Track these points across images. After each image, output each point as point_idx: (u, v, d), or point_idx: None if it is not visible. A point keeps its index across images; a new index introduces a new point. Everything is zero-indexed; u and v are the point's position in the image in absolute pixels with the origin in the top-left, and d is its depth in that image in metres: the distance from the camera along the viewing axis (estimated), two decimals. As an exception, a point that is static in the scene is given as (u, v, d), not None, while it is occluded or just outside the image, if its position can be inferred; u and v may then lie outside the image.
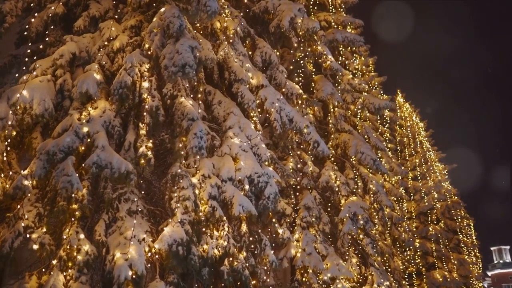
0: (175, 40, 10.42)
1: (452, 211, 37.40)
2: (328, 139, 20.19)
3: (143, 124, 10.18)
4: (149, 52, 10.69)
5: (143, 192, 10.65)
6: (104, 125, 9.93)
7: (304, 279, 16.39)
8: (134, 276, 8.62)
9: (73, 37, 11.00)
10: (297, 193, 18.23)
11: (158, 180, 11.04)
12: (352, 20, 22.11)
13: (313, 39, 16.93)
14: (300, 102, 15.06)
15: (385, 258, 24.13)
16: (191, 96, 11.14)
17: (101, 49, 10.81)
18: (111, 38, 11.03)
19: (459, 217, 37.98)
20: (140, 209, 10.01)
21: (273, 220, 11.59)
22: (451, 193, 38.54)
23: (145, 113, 10.22)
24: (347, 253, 18.26)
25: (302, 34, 16.07)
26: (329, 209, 19.23)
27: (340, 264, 16.98)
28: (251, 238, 11.08)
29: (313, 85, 20.19)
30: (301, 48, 17.24)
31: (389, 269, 24.52)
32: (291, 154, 18.32)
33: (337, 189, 18.61)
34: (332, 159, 19.64)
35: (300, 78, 19.89)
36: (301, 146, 14.65)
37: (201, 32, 13.64)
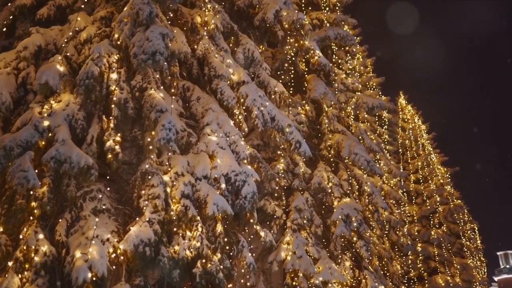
0: (145, 28, 9.93)
1: (455, 215, 36.60)
2: (321, 140, 19.70)
3: (110, 117, 9.66)
4: (118, 42, 10.20)
5: (108, 189, 10.09)
6: (67, 118, 9.45)
7: (294, 283, 15.87)
8: (94, 278, 8.10)
9: (39, 28, 10.56)
10: (289, 195, 17.78)
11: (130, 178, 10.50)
12: (345, 18, 21.56)
13: (300, 34, 16.39)
14: (283, 100, 14.50)
15: (383, 262, 23.58)
16: (163, 89, 10.60)
17: (69, 41, 10.32)
18: (78, 29, 10.54)
19: (463, 221, 37.24)
20: (107, 208, 9.51)
21: (251, 220, 11.00)
22: (454, 196, 37.77)
23: (112, 106, 9.69)
24: (340, 256, 17.68)
25: (288, 27, 15.55)
26: (323, 211, 18.72)
27: (332, 268, 16.46)
28: (226, 239, 10.50)
29: (306, 84, 19.74)
30: (288, 42, 16.70)
31: (387, 274, 23.96)
32: (282, 155, 17.85)
33: (329, 190, 18.10)
34: (325, 160, 19.16)
35: (292, 78, 19.51)
36: (281, 146, 14.13)
37: (184, 28, 13.20)
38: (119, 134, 9.70)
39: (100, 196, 9.54)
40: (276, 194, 17.35)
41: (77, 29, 10.54)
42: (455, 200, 37.71)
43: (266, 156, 17.96)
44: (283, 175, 17.46)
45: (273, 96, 14.28)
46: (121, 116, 9.82)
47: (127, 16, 10.29)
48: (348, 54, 23.69)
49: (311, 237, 17.00)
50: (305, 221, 16.84)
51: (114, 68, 10.06)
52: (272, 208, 17.16)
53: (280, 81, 17.83)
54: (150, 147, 9.41)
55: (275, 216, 17.11)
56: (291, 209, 17.19)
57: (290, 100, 14.58)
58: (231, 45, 14.45)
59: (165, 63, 10.03)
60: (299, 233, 16.67)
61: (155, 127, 9.52)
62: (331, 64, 17.71)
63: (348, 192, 18.58)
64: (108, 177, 10.51)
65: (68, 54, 10.32)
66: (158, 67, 9.71)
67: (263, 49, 16.35)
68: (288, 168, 18.11)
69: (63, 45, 10.39)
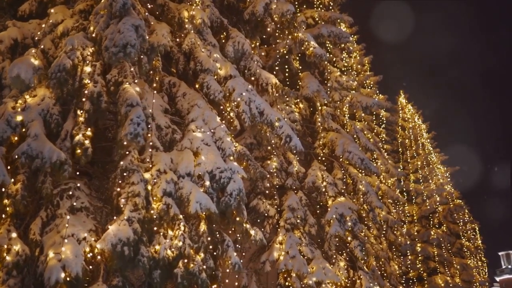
0: (119, 20, 9.59)
1: (455, 215, 36.26)
2: (315, 138, 19.42)
3: (81, 111, 9.33)
4: (94, 35, 9.88)
5: (88, 187, 9.80)
6: (42, 113, 9.16)
7: (287, 283, 15.60)
8: (68, 279, 7.80)
9: (16, 22, 10.31)
10: (282, 194, 17.51)
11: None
12: (340, 16, 21.23)
13: (293, 26, 16.07)
14: (275, 92, 14.16)
15: (380, 263, 23.26)
16: (142, 83, 10.29)
17: (47, 35, 10.04)
18: (56, 22, 10.25)
19: (463, 221, 36.88)
20: (85, 206, 9.21)
21: (237, 219, 10.66)
22: (454, 196, 37.40)
23: (84, 99, 9.37)
24: (335, 256, 17.37)
25: (278, 20, 15.23)
26: (318, 211, 18.43)
27: (326, 268, 16.17)
28: (209, 239, 10.17)
29: (299, 82, 19.46)
30: (281, 36, 16.39)
31: (385, 274, 23.65)
32: (275, 153, 17.58)
33: (324, 189, 17.79)
34: (320, 159, 18.87)
35: (286, 76, 19.23)
36: (272, 141, 13.81)
37: (174, 23, 12.92)
38: (89, 129, 9.34)
39: (80, 195, 9.23)
40: (269, 193, 17.15)
41: (54, 22, 10.24)
42: (455, 200, 37.35)
43: (260, 155, 17.73)
44: (276, 174, 17.25)
45: (266, 88, 13.92)
46: (93, 110, 9.46)
47: (104, 8, 9.98)
48: (344, 52, 23.42)
49: (304, 236, 16.72)
50: (298, 221, 16.57)
51: (88, 61, 9.73)
52: (265, 207, 16.90)
53: (280, 81, 17.65)
54: (125, 143, 9.08)
55: (268, 216, 16.89)
56: (284, 208, 16.94)
57: (283, 91, 14.19)
58: (223, 41, 14.19)
59: (145, 56, 9.74)
60: (293, 233, 16.40)
61: (126, 121, 9.20)
62: (327, 54, 17.29)
63: (342, 191, 18.28)
64: (90, 175, 10.25)
65: (45, 48, 10.02)
66: (130, 60, 9.37)
67: (256, 45, 15.99)
68: (281, 167, 17.86)
69: (40, 39, 10.10)
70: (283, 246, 16.00)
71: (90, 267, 8.61)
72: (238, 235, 11.55)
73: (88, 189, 9.83)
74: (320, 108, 19.27)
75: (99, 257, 8.72)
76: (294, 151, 14.12)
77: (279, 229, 16.52)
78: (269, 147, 17.10)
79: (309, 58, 17.57)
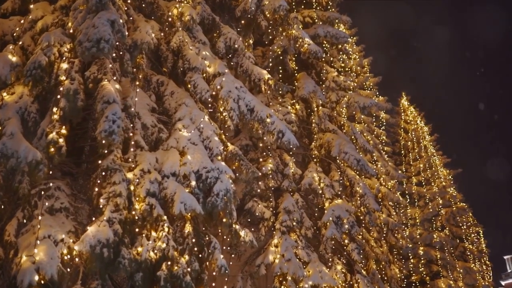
0: (95, 14, 9.29)
1: (458, 218, 35.84)
2: (311, 139, 19.11)
3: (56, 109, 9.03)
4: (71, 31, 9.61)
5: (70, 187, 9.51)
6: (20, 111, 8.89)
7: (283, 287, 15.28)
8: (42, 281, 7.51)
9: (-5, 19, 10.04)
10: (278, 196, 17.21)
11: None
12: (338, 17, 20.88)
13: (287, 23, 15.78)
14: (268, 89, 13.84)
15: (381, 266, 22.90)
16: (124, 81, 10.01)
17: (27, 31, 9.80)
18: (36, 19, 10.00)
19: (466, 224, 36.46)
20: (65, 207, 8.92)
21: (224, 220, 10.32)
22: (457, 199, 36.98)
23: (59, 96, 9.07)
24: (331, 260, 17.03)
25: (271, 16, 14.94)
26: (316, 214, 18.12)
27: (323, 271, 15.84)
28: (194, 240, 9.84)
29: (296, 83, 19.20)
30: (273, 33, 16.08)
31: (385, 278, 23.28)
32: (271, 155, 17.32)
33: (320, 191, 17.49)
34: (317, 160, 18.58)
35: (282, 76, 18.97)
36: (265, 138, 13.46)
37: (163, 21, 12.67)
38: (64, 127, 9.02)
39: (60, 195, 8.94)
40: (264, 195, 16.86)
41: (34, 18, 9.99)
42: (458, 203, 36.94)
43: (256, 156, 17.49)
44: (272, 176, 16.96)
45: (258, 84, 13.61)
46: (69, 108, 9.15)
47: (82, 4, 9.70)
48: (341, 52, 23.11)
49: (301, 239, 16.42)
50: (294, 223, 16.28)
51: (65, 58, 9.44)
52: (260, 210, 16.66)
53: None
54: (103, 142, 8.79)
55: (263, 218, 16.60)
56: (280, 211, 16.67)
57: (276, 85, 13.89)
58: (216, 39, 13.92)
59: (128, 54, 9.46)
60: (288, 236, 16.11)
61: (101, 118, 8.90)
62: (323, 53, 16.96)
63: (339, 193, 17.95)
64: (73, 175, 9.98)
65: (24, 44, 9.77)
66: (102, 55, 9.05)
67: (249, 43, 15.67)
68: (277, 169, 17.59)
69: (20, 36, 9.85)
70: (278, 249, 15.72)
71: (68, 269, 8.31)
72: (227, 237, 11.20)
73: (69, 190, 9.53)
74: (316, 109, 18.96)
75: (77, 259, 8.41)
76: (289, 147, 13.64)
77: (274, 232, 16.24)
78: (264, 148, 16.88)
79: (304, 55, 17.29)
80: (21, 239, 8.27)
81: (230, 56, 13.48)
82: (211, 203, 9.98)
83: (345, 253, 17.72)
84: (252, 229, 17.04)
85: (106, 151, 9.10)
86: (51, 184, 9.00)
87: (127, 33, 9.63)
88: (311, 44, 16.56)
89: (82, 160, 10.68)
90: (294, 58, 19.38)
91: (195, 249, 9.89)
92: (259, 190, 16.76)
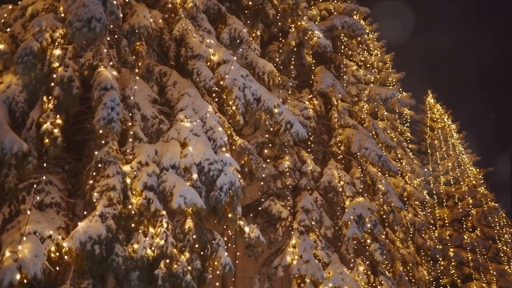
0: (88, -6, 8.76)
1: (489, 218, 34.40)
2: (331, 135, 18.36)
3: (50, 98, 8.49)
4: (63, 15, 9.05)
5: (63, 182, 8.96)
6: (7, 101, 8.37)
7: (301, 289, 14.57)
8: (25, 280, 6.95)
9: (-15, 8, 9.60)
10: (296, 195, 16.51)
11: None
12: (355, 7, 20.13)
13: (296, 14, 15.09)
14: (271, 80, 13.17)
15: (408, 268, 21.94)
16: (121, 68, 9.43)
17: (17, 19, 9.33)
18: (26, 5, 9.52)
19: (498, 224, 35.00)
20: (56, 202, 8.37)
21: (229, 215, 9.61)
22: (488, 199, 35.56)
23: (52, 84, 8.53)
24: (353, 261, 16.22)
25: (278, 3, 14.28)
26: (338, 212, 17.33)
27: (344, 273, 15.08)
28: (194, 236, 9.16)
29: (313, 77, 18.50)
30: (279, 25, 15.42)
31: (413, 280, 22.31)
32: (288, 152, 16.64)
33: (341, 189, 16.72)
34: (337, 157, 17.81)
35: (299, 71, 18.29)
36: (271, 129, 12.79)
37: (167, 10, 12.12)
38: (58, 116, 8.46)
39: (51, 189, 8.40)
40: (281, 194, 16.20)
41: (25, 5, 9.52)
42: (490, 202, 35.49)
43: (272, 154, 16.87)
44: (289, 173, 16.31)
45: (262, 78, 12.96)
46: (64, 97, 8.59)
47: (74, -13, 9.19)
48: (361, 45, 22.32)
49: (320, 239, 15.66)
50: (313, 223, 15.54)
51: (58, 44, 8.88)
52: (278, 209, 16.09)
53: (292, 76, 16.76)
54: (100, 131, 8.22)
55: (280, 218, 15.95)
56: (298, 210, 15.98)
57: (279, 79, 13.20)
58: (221, 30, 13.34)
59: (125, 39, 8.91)
60: (307, 236, 15.39)
61: (99, 106, 8.32)
62: (330, 45, 16.24)
63: (361, 191, 17.13)
64: (69, 169, 9.46)
65: (14, 32, 9.29)
66: (94, 35, 8.47)
67: (257, 34, 15.02)
68: (295, 166, 16.93)
69: (11, 23, 9.38)
70: (296, 250, 15.05)
71: (58, 268, 7.75)
72: (232, 233, 10.51)
73: (63, 184, 8.98)
74: (336, 103, 18.19)
75: (66, 257, 7.84)
76: (296, 138, 12.93)
77: (292, 232, 15.57)
78: (280, 145, 16.24)
79: (312, 48, 16.58)
80: (5, 235, 7.74)
81: (234, 46, 12.83)
82: (214, 198, 9.27)
83: (367, 253, 16.86)
84: (269, 230, 16.65)
85: (103, 142, 8.53)
86: (43, 178, 8.46)
87: (121, 15, 9.04)
88: (321, 37, 15.87)
89: (82, 155, 10.16)
90: (311, 52, 18.65)
91: (197, 246, 9.22)
92: (275, 189, 16.13)
